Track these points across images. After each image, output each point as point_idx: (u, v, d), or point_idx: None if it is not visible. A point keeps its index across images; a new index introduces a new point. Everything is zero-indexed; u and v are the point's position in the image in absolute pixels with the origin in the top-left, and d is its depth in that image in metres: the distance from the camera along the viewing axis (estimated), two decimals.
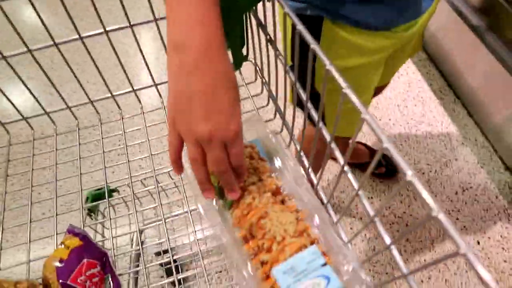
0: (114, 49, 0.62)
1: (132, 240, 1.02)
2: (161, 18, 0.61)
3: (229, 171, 0.43)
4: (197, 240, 0.58)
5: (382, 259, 1.37)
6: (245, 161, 0.48)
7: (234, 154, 0.42)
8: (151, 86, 0.69)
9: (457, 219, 1.46)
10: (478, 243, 1.39)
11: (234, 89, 0.41)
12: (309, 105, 0.48)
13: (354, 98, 0.35)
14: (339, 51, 0.72)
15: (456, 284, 1.32)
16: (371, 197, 1.53)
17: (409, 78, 1.89)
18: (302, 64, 0.46)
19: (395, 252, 0.38)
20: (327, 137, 0.45)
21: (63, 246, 0.49)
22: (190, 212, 0.61)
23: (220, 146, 0.40)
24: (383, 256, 1.40)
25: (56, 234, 0.57)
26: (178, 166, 0.45)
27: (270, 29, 0.53)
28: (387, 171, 1.55)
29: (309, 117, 0.49)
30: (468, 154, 1.62)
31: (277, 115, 0.64)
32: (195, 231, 0.56)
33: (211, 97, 0.38)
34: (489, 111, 1.59)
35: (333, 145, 0.44)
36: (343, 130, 0.87)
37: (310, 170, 0.55)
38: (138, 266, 1.03)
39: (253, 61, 0.68)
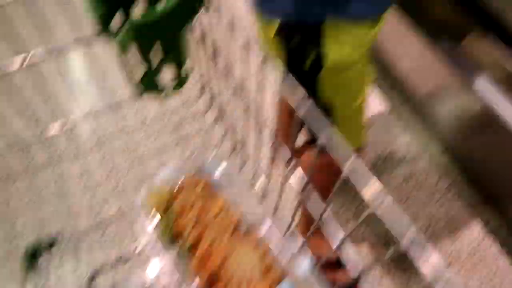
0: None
1: None
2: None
3: None
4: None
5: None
6: (197, 201, 0.43)
7: None
8: None
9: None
10: (429, 226, 1.46)
11: None
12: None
13: None
14: (344, 46, 0.74)
15: None
16: None
17: None
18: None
19: None
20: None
21: None
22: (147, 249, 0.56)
23: None
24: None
25: None
26: None
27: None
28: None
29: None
30: (408, 142, 1.69)
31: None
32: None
33: None
34: (422, 96, 1.67)
35: None
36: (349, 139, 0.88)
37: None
38: None
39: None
